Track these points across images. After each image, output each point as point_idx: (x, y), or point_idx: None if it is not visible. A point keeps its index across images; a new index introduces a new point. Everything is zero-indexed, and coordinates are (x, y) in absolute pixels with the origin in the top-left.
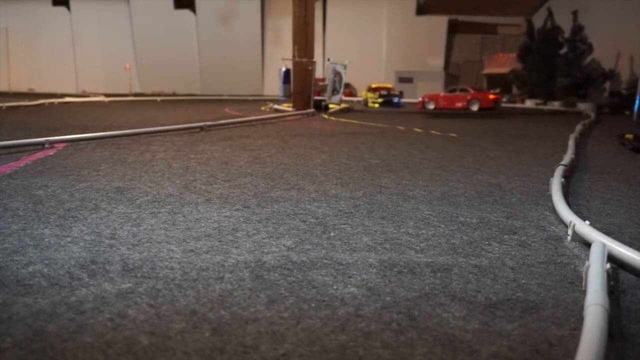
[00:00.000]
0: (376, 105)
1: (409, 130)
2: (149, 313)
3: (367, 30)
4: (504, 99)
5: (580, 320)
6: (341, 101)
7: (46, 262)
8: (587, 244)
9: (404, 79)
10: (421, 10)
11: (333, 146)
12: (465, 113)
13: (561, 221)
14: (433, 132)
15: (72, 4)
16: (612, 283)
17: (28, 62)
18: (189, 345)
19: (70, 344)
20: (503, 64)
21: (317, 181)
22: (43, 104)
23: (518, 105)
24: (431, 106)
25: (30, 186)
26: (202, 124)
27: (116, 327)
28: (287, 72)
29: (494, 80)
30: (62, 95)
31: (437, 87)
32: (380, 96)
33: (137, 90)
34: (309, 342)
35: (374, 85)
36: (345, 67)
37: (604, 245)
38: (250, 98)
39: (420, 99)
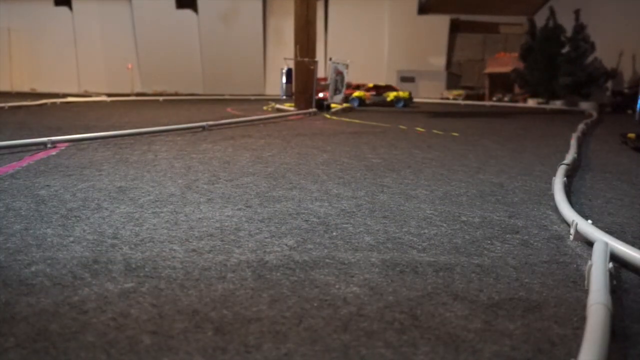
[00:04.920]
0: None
1: (411, 129)
2: (152, 312)
3: (369, 29)
4: (506, 98)
5: (582, 319)
6: (343, 101)
7: (49, 261)
8: (590, 243)
9: (406, 79)
10: (423, 9)
11: (335, 145)
12: (467, 112)
13: (563, 220)
14: (435, 131)
15: (74, 3)
16: (614, 282)
17: (30, 61)
18: (191, 345)
19: (72, 343)
20: (505, 63)
21: (319, 180)
22: (45, 104)
23: (520, 104)
24: None
25: (32, 186)
26: (204, 123)
27: (119, 326)
28: (289, 71)
29: (496, 80)
30: (65, 95)
31: (439, 87)
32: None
33: (139, 90)
34: (311, 341)
35: (370, 85)
36: (347, 66)
37: (607, 244)
38: (252, 97)
39: None
